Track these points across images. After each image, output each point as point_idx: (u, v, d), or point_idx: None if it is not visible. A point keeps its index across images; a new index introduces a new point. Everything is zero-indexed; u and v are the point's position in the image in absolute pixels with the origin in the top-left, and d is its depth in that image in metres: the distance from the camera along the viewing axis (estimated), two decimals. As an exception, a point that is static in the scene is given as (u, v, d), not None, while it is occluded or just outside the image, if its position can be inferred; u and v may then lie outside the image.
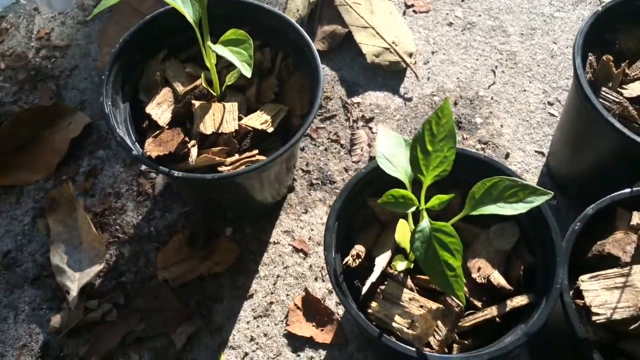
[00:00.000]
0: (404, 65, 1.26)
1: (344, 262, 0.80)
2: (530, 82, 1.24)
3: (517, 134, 1.18)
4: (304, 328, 1.00)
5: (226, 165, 0.88)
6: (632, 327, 0.71)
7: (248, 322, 1.01)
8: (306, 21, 1.34)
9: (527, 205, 0.69)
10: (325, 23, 1.31)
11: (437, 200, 0.69)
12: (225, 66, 0.97)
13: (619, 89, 0.91)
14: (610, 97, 0.89)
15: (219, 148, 0.89)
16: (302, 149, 1.18)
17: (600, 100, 0.89)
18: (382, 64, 1.26)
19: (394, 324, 0.76)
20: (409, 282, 0.79)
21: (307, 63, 0.94)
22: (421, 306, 0.76)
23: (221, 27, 0.97)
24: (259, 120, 0.91)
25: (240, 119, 0.92)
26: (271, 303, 1.03)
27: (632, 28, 0.96)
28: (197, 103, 0.91)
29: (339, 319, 1.01)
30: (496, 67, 1.27)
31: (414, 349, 0.71)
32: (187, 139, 0.90)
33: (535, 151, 1.16)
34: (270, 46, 0.99)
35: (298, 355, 0.98)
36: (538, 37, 1.30)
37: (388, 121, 1.21)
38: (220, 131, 0.89)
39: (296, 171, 1.15)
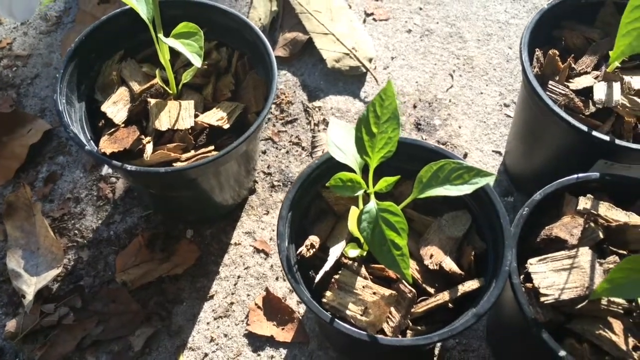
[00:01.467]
0: (364, 70, 1.28)
1: (297, 252, 0.80)
2: (486, 85, 1.27)
3: (475, 135, 1.21)
4: (265, 327, 0.99)
5: (182, 161, 0.88)
6: (579, 306, 0.72)
7: (208, 323, 1.00)
8: (268, 29, 1.36)
9: (472, 186, 0.70)
10: (286, 31, 1.34)
11: (384, 182, 0.70)
12: (182, 65, 0.98)
13: (566, 83, 0.93)
14: (557, 89, 0.92)
15: (175, 144, 0.89)
16: (264, 152, 1.19)
17: (548, 93, 0.92)
18: (343, 68, 1.28)
19: (347, 312, 0.76)
20: (363, 271, 0.79)
21: (262, 61, 0.95)
22: (374, 293, 0.77)
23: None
24: (215, 117, 0.92)
25: (196, 116, 0.92)
26: (232, 303, 1.02)
27: (577, 25, 1.00)
28: (152, 101, 0.92)
29: (300, 317, 1.00)
30: (454, 71, 1.30)
31: (365, 333, 0.71)
32: (142, 136, 0.90)
33: (493, 151, 1.19)
34: (227, 46, 1.00)
35: (258, 355, 0.97)
36: (494, 43, 1.34)
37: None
38: (175, 128, 0.89)
39: (257, 173, 1.16)
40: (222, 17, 0.98)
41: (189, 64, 0.97)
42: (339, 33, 1.31)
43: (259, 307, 1.01)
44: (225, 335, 0.99)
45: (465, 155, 1.18)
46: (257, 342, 0.99)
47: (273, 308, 1.01)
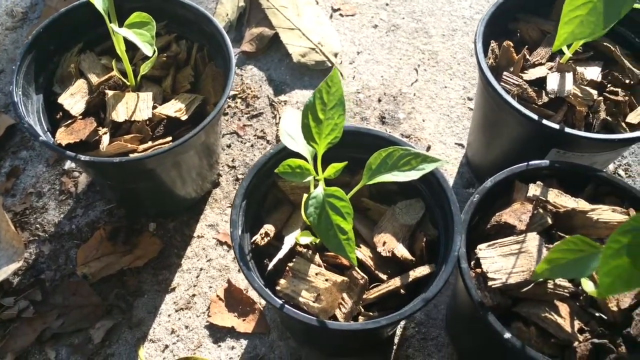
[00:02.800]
0: (330, 65, 1.29)
1: (252, 241, 0.81)
2: (450, 79, 1.29)
3: (439, 128, 1.22)
4: (226, 318, 1.00)
5: (138, 152, 0.88)
6: (525, 290, 0.73)
7: (169, 315, 1.00)
8: (235, 25, 1.36)
9: (419, 172, 0.71)
10: (253, 26, 1.34)
11: (332, 169, 0.71)
12: (141, 58, 0.98)
13: (520, 74, 0.95)
14: (511, 80, 0.93)
15: (132, 135, 0.89)
16: (229, 146, 1.19)
17: (502, 83, 0.93)
18: (308, 63, 1.28)
19: (300, 299, 0.77)
20: (317, 258, 0.80)
21: (221, 52, 0.95)
22: (326, 280, 0.77)
23: (138, 21, 0.99)
24: (173, 108, 0.92)
25: (155, 108, 0.93)
26: (193, 295, 1.02)
27: (532, 18, 1.01)
28: (110, 92, 0.92)
29: (261, 308, 1.01)
30: (419, 65, 1.31)
31: (314, 318, 0.72)
32: (99, 127, 0.90)
33: (455, 143, 1.20)
34: (186, 38, 1.01)
35: (219, 346, 0.98)
36: (458, 38, 1.35)
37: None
38: (133, 119, 0.90)
39: (222, 167, 1.16)
40: (181, 10, 0.99)
41: (148, 56, 0.97)
42: (305, 28, 1.32)
43: (220, 299, 1.02)
44: (186, 327, 0.99)
45: (429, 148, 1.19)
46: (218, 333, 0.99)
47: (234, 299, 1.01)
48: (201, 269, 1.05)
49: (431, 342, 0.98)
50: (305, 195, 0.80)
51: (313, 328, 0.73)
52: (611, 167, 1.17)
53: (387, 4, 1.41)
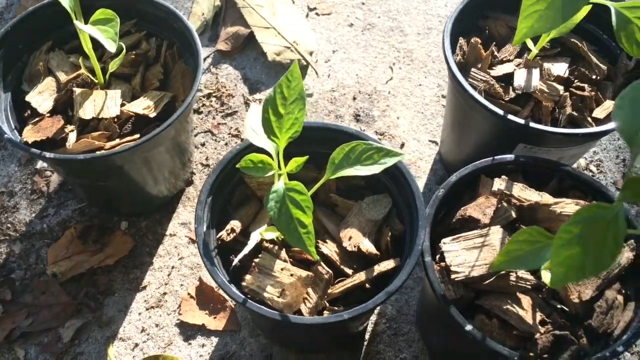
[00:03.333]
0: (305, 63, 1.29)
1: (217, 236, 0.81)
2: (425, 77, 1.29)
3: (413, 125, 1.23)
4: (197, 316, 0.99)
5: (106, 150, 0.88)
6: (487, 282, 0.74)
7: (140, 314, 1.00)
8: (211, 24, 1.36)
9: (381, 166, 0.71)
10: (229, 25, 1.34)
11: (294, 163, 0.71)
12: (110, 55, 0.98)
13: (489, 70, 0.96)
14: (478, 76, 0.94)
15: (99, 133, 0.89)
16: (203, 145, 1.19)
17: (470, 80, 0.94)
18: (283, 61, 1.29)
19: (265, 294, 0.77)
20: (283, 254, 0.80)
21: (190, 49, 0.95)
22: (291, 275, 0.78)
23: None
24: (141, 105, 0.92)
25: (123, 105, 0.92)
26: (164, 294, 1.02)
27: (501, 15, 1.02)
28: (77, 90, 0.92)
29: (232, 306, 1.00)
30: (394, 63, 1.32)
31: (276, 312, 0.72)
32: (67, 125, 0.90)
33: (429, 140, 1.21)
34: (156, 36, 1.01)
35: (189, 344, 0.97)
36: (433, 36, 1.36)
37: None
38: (100, 116, 0.89)
39: (195, 165, 1.16)
40: (151, 8, 0.99)
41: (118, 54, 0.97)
42: (281, 27, 1.32)
43: (191, 297, 1.01)
44: (157, 325, 0.99)
45: (402, 145, 1.20)
46: (188, 331, 0.99)
47: (206, 297, 1.01)
48: (173, 267, 1.04)
49: (402, 338, 0.98)
50: (270, 191, 0.80)
51: (279, 323, 0.73)
52: (583, 162, 1.18)
53: (363, 3, 1.42)
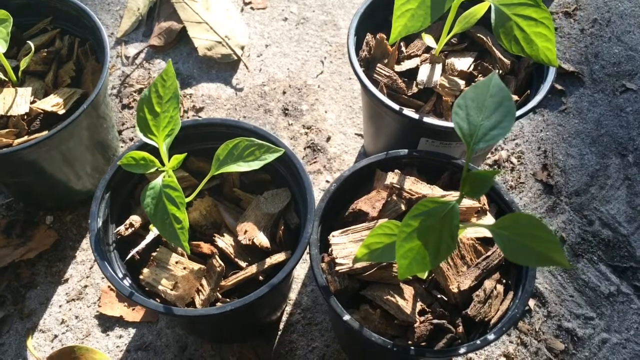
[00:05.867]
0: (235, 58, 1.31)
1: (115, 231, 0.83)
2: (355, 71, 1.31)
3: (340, 119, 1.25)
4: (115, 308, 1.02)
5: (14, 146, 0.90)
6: (368, 273, 0.76)
7: (60, 306, 1.02)
8: (146, 19, 1.38)
9: (262, 162, 0.74)
10: (162, 20, 1.36)
11: (175, 160, 0.74)
12: (25, 53, 0.99)
13: (395, 65, 0.97)
14: (383, 71, 0.96)
15: (7, 130, 0.90)
16: (132, 140, 1.21)
17: (375, 75, 0.96)
18: (215, 56, 1.30)
19: (159, 287, 0.79)
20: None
21: (101, 46, 0.97)
22: (184, 268, 0.80)
23: (25, 18, 1.01)
24: (50, 102, 0.93)
25: (34, 102, 0.94)
26: (85, 286, 1.04)
27: (411, 10, 1.04)
28: (-13, 88, 0.93)
29: (151, 297, 1.03)
30: (325, 57, 1.33)
31: (161, 305, 0.74)
32: (-24, 123, 0.92)
33: (355, 134, 1.23)
34: (71, 34, 1.02)
35: (107, 335, 1.00)
36: (366, 30, 1.38)
37: (218, 110, 1.25)
38: (9, 114, 0.91)
39: (122, 160, 1.18)
40: (63, 5, 1.00)
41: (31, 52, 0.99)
42: (213, 22, 1.34)
43: (112, 289, 1.04)
44: (76, 317, 1.01)
45: (329, 139, 1.22)
46: (107, 322, 1.01)
47: (125, 289, 1.03)
48: (95, 260, 1.07)
49: (315, 327, 1.01)
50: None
51: (166, 315, 0.75)
52: (504, 154, 1.20)
53: (298, -3, 1.43)
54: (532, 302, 1.04)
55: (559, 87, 1.28)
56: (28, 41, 0.96)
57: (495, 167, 1.19)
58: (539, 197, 1.15)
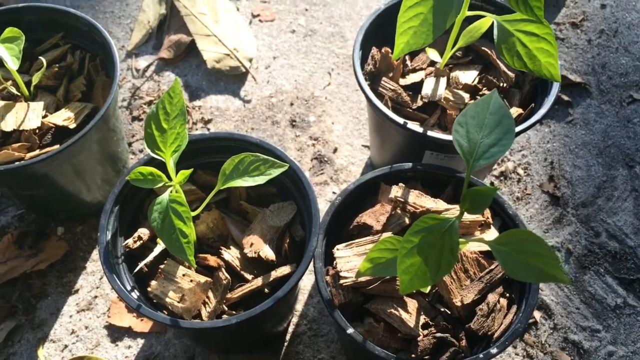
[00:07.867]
0: (244, 70, 1.32)
1: (124, 244, 0.85)
2: (362, 82, 1.32)
3: (347, 130, 1.26)
4: (124, 319, 1.03)
5: (26, 160, 0.92)
6: (372, 287, 0.77)
7: (71, 316, 1.04)
8: (156, 32, 1.40)
9: (267, 176, 0.75)
10: (172, 33, 1.38)
11: (182, 175, 0.75)
12: (37, 68, 1.02)
13: (400, 79, 0.98)
14: (388, 85, 0.97)
15: (19, 144, 0.92)
16: (141, 152, 1.22)
17: (380, 89, 0.97)
18: (223, 69, 1.32)
19: (167, 299, 0.80)
20: (188, 260, 0.84)
21: (111, 61, 0.99)
22: (191, 280, 0.81)
23: (37, 34, 1.03)
24: (62, 117, 0.95)
25: (46, 117, 0.96)
26: (95, 297, 1.06)
27: (416, 24, 1.05)
28: (1, 103, 0.95)
29: (160, 308, 1.04)
30: (332, 69, 1.35)
31: (167, 317, 0.75)
32: (-11, 138, 0.94)
33: (362, 145, 1.24)
34: (82, 49, 1.04)
35: (116, 345, 1.01)
36: (373, 41, 1.39)
37: (227, 122, 1.27)
38: (21, 128, 0.93)
39: (132, 171, 1.20)
40: (75, 21, 1.02)
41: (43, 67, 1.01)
42: (222, 34, 1.35)
43: (121, 300, 1.05)
44: (86, 327, 1.03)
45: (336, 150, 1.23)
46: (116, 333, 1.03)
47: (134, 300, 1.05)
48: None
49: (321, 339, 1.02)
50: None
51: (173, 327, 0.76)
52: (511, 166, 1.20)
53: (306, 9, 1.45)
54: (538, 315, 1.04)
55: (565, 98, 1.28)
56: (40, 57, 0.98)
57: (502, 178, 1.19)
58: (546, 209, 1.15)
